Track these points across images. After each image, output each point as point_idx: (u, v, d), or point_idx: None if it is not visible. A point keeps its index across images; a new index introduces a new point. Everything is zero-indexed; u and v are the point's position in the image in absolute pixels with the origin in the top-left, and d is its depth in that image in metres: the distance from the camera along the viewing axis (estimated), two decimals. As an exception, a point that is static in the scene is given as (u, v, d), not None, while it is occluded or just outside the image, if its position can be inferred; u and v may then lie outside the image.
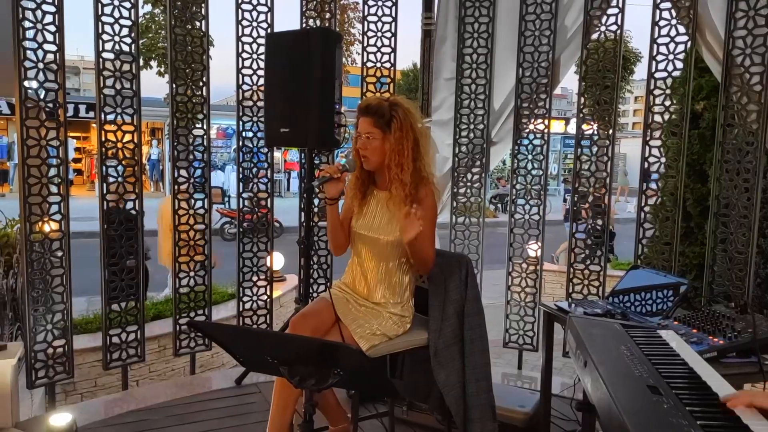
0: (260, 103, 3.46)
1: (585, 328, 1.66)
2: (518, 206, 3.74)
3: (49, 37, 2.87)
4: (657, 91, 3.28)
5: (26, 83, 2.85)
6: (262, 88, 3.39)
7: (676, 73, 3.24)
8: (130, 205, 3.22)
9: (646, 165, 3.33)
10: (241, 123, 3.51)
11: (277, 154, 18.57)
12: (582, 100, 3.51)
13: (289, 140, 3.00)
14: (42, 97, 2.91)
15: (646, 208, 3.41)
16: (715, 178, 3.15)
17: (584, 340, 1.54)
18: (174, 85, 3.32)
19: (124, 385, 3.31)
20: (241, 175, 3.55)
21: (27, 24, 2.80)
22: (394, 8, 3.65)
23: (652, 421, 1.09)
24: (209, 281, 3.46)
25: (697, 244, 4.42)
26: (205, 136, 3.45)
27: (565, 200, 14.14)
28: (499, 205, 17.27)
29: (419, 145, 1.99)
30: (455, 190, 3.82)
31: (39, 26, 2.83)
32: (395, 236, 1.99)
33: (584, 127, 3.51)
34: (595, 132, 3.49)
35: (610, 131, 3.48)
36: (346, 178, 2.04)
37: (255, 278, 3.60)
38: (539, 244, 3.79)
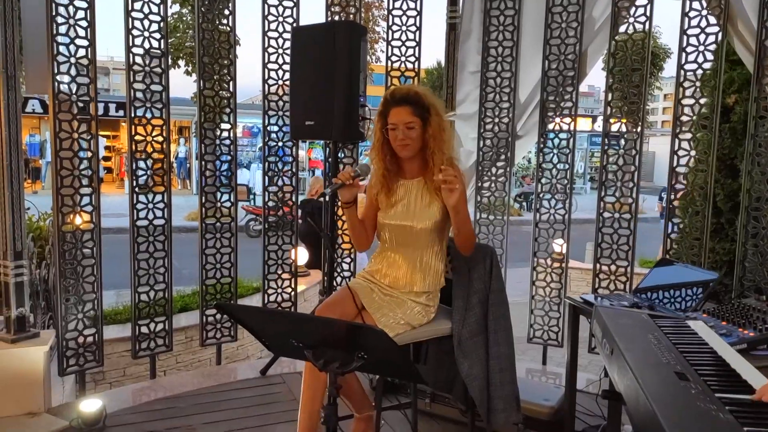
0: (286, 98, 3.50)
1: (612, 317, 1.65)
2: (543, 201, 3.71)
3: (81, 33, 2.94)
4: (687, 83, 3.22)
5: (59, 78, 2.92)
6: (287, 83, 3.42)
7: (707, 65, 3.17)
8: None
9: (675, 159, 3.27)
10: (266, 117, 3.55)
11: (302, 153, 18.70)
12: (609, 95, 3.46)
13: (314, 133, 3.03)
14: (74, 91, 2.99)
15: (675, 203, 3.35)
16: (746, 171, 3.08)
17: (611, 329, 1.53)
18: (202, 81, 3.37)
19: (152, 374, 3.37)
20: (266, 170, 3.59)
21: (60, 20, 2.87)
22: (419, 2, 3.64)
23: (679, 406, 1.08)
24: (235, 273, 3.51)
25: (728, 241, 4.32)
26: (231, 130, 3.50)
27: (660, 198, 13.82)
28: (524, 204, 17.12)
29: (449, 131, 2.02)
30: (479, 184, 3.80)
31: (71, 21, 2.90)
32: (430, 222, 2.00)
33: (611, 121, 3.46)
34: (623, 128, 3.43)
35: (639, 127, 3.43)
36: (359, 183, 2.04)
37: (279, 271, 3.63)
38: (564, 239, 3.76)
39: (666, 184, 3.38)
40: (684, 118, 3.25)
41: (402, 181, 2.08)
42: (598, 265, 3.55)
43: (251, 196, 14.17)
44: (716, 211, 4.31)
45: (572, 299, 2.48)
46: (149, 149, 3.25)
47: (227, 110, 3.46)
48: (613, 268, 3.51)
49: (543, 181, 3.69)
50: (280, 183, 3.63)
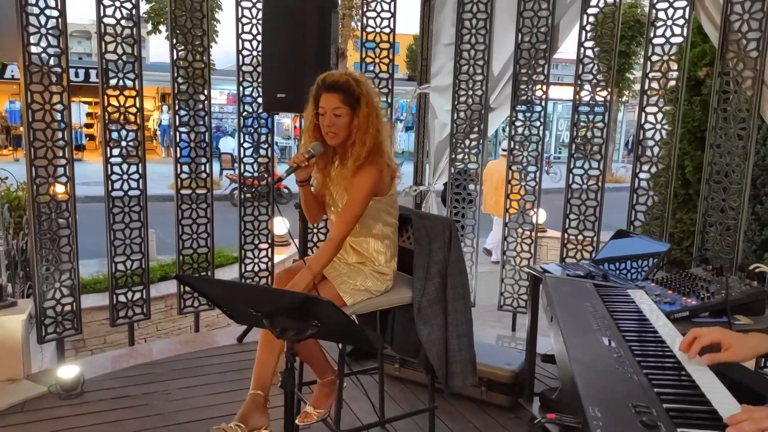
0: (260, 69, 3.50)
1: (556, 287, 1.74)
2: (515, 172, 3.79)
3: (51, 3, 2.92)
4: (655, 57, 3.27)
5: (31, 48, 2.91)
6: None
7: (675, 39, 3.22)
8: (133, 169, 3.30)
9: (642, 132, 3.35)
10: (241, 88, 3.56)
11: (287, 120, 18.56)
12: (581, 67, 3.50)
13: (286, 106, 3.05)
14: (46, 62, 2.98)
15: (642, 175, 3.44)
16: (709, 144, 3.16)
17: (553, 297, 1.62)
18: (175, 52, 3.37)
19: (131, 341, 3.46)
20: (243, 141, 3.62)
21: (29, -10, 2.85)
22: (393, -27, 3.64)
23: (598, 369, 1.17)
24: (212, 244, 3.57)
25: (695, 211, 4.44)
26: (206, 102, 3.51)
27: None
28: (519, 167, 17.22)
29: (380, 121, 2.02)
30: (453, 156, 3.86)
31: (40, -9, 2.88)
32: None
33: (584, 93, 3.51)
34: (598, 98, 3.46)
35: (618, 97, 3.49)
36: (314, 162, 2.07)
37: (256, 242, 3.70)
38: (535, 210, 3.85)
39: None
40: (653, 91, 3.32)
41: (337, 165, 2.12)
42: (566, 236, 3.65)
43: (236, 165, 14.11)
44: (685, 183, 4.43)
45: (533, 269, 2.58)
46: (123, 120, 3.27)
47: (200, 81, 3.47)
48: (580, 238, 3.62)
49: (515, 153, 3.76)
50: (255, 155, 3.67)
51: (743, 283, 2.04)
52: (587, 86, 3.49)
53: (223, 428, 1.85)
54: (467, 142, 3.85)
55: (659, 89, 3.28)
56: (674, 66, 3.25)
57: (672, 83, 3.27)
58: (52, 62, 3.00)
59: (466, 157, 3.86)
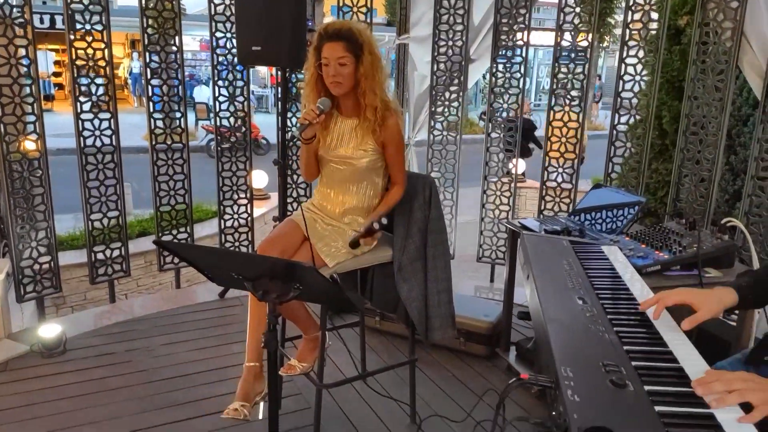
0: (233, 18, 3.38)
1: (534, 245, 1.77)
2: (495, 125, 3.78)
3: (8, -51, 2.76)
4: (635, 6, 3.23)
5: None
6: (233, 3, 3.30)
7: (656, -12, 3.18)
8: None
9: (621, 83, 3.34)
10: (214, 39, 3.45)
11: (263, 69, 18.09)
12: (561, 15, 3.44)
13: (261, 59, 2.96)
14: (8, 13, 2.84)
15: (620, 127, 3.45)
16: (687, 96, 3.17)
17: (530, 256, 1.65)
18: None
19: (112, 298, 3.46)
20: (218, 94, 3.53)
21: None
22: None
23: (570, 327, 1.21)
24: (190, 200, 3.53)
25: (671, 162, 4.50)
26: (178, 54, 3.40)
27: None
28: (499, 119, 17.14)
29: (381, 72, 2.00)
30: (433, 109, 3.83)
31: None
32: (362, 161, 2.04)
33: (565, 41, 3.47)
34: (579, 45, 3.42)
35: (600, 43, 3.45)
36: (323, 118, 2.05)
37: (235, 197, 3.67)
38: (514, 162, 3.87)
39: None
40: (633, 41, 3.29)
41: (339, 118, 2.10)
42: (544, 188, 3.68)
43: (211, 115, 13.82)
44: (662, 133, 4.46)
45: (511, 224, 2.61)
46: (92, 73, 3.15)
47: (171, 32, 3.35)
48: (558, 190, 3.66)
49: (495, 105, 3.74)
50: (231, 108, 3.59)
51: (714, 236, 2.10)
52: (567, 34, 3.44)
53: (230, 414, 1.88)
54: (447, 94, 3.81)
55: (639, 39, 3.26)
56: (655, 15, 3.21)
57: (652, 33, 3.25)
58: (15, 13, 2.86)
59: (446, 110, 3.82)
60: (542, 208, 3.71)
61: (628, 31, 3.27)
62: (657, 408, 0.94)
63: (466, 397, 2.51)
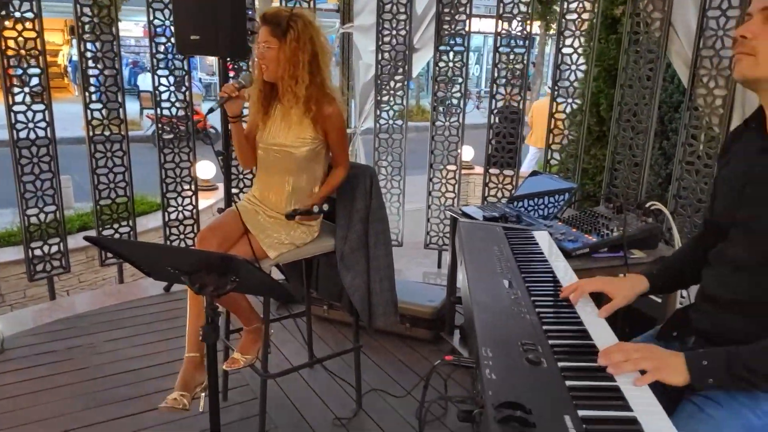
0: (171, 6, 3.31)
1: (469, 232, 1.83)
2: (439, 114, 3.84)
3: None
4: (571, -1, 3.33)
5: None
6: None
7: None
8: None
9: (558, 72, 3.45)
10: (152, 28, 3.37)
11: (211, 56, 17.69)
12: (501, 5, 3.51)
13: (200, 48, 2.93)
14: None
15: (559, 116, 3.56)
16: (619, 84, 3.31)
17: (464, 243, 1.71)
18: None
19: (52, 295, 3.37)
20: (158, 83, 3.46)
21: None
22: None
23: (494, 309, 1.26)
24: (131, 193, 3.46)
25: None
26: (114, 42, 3.31)
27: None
28: (442, 108, 17.31)
29: (318, 60, 1.99)
30: (379, 98, 3.85)
31: None
32: (299, 149, 2.05)
33: (506, 29, 3.54)
34: (520, 32, 3.50)
35: (546, 31, 3.53)
36: (245, 94, 2.05)
37: (179, 189, 3.61)
38: (459, 151, 3.94)
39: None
40: (570, 31, 3.39)
41: (278, 106, 2.09)
42: (487, 175, 3.78)
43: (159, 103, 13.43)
44: (600, 120, 4.62)
45: (453, 211, 2.68)
46: (24, 64, 3.04)
47: (107, 20, 3.25)
48: (501, 177, 3.76)
49: (439, 94, 3.79)
50: (173, 98, 3.52)
51: (640, 219, 2.21)
52: (507, 22, 3.51)
53: (169, 404, 1.87)
54: (392, 83, 3.84)
55: (575, 30, 3.36)
56: (590, 7, 3.32)
57: (587, 24, 3.36)
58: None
59: (392, 99, 3.86)
60: (486, 195, 3.80)
61: (564, 21, 3.36)
62: (567, 383, 1.00)
63: (411, 380, 2.57)
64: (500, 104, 3.67)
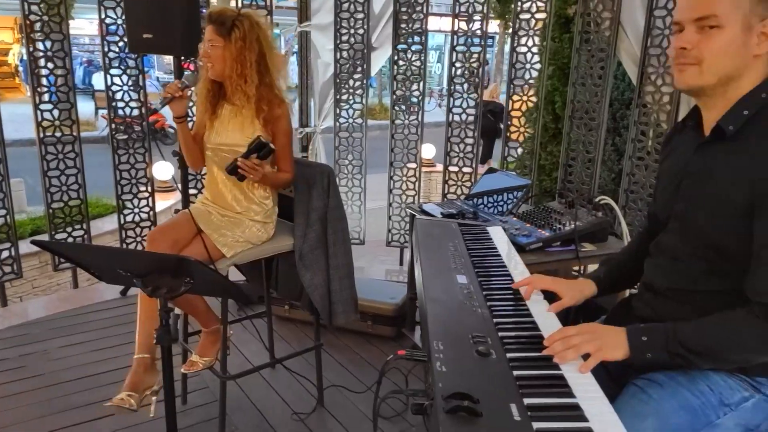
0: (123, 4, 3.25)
1: (425, 229, 1.85)
2: (399, 112, 3.87)
3: None
4: (524, -2, 3.41)
5: None
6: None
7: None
8: None
9: (513, 71, 3.51)
10: (104, 26, 3.29)
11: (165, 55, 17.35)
12: (457, 5, 3.56)
13: (153, 47, 2.87)
14: None
15: (515, 114, 3.63)
16: (571, 83, 3.39)
17: (420, 240, 1.73)
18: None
19: (3, 302, 3.26)
20: (111, 82, 3.39)
21: None
22: None
23: (447, 305, 1.29)
24: (84, 195, 3.38)
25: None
26: (65, 41, 3.22)
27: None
28: (403, 107, 17.40)
29: (266, 60, 1.99)
30: (338, 96, 3.86)
31: None
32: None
33: (461, 27, 3.59)
34: (478, 30, 3.55)
35: (505, 29, 3.59)
36: (189, 93, 2.04)
37: (135, 190, 3.54)
38: (419, 149, 3.97)
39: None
40: (523, 31, 3.46)
41: (226, 105, 2.08)
42: (447, 172, 3.82)
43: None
44: (556, 117, 4.72)
45: (411, 208, 2.71)
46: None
47: (57, 18, 3.17)
48: (460, 174, 3.81)
49: (398, 93, 3.82)
50: (127, 98, 3.45)
51: (590, 214, 2.28)
52: (464, 21, 3.56)
53: (116, 403, 1.85)
54: (351, 82, 3.85)
55: (529, 29, 3.43)
56: (541, 6, 3.40)
57: (545, 22, 3.44)
58: None
59: (351, 97, 3.87)
60: (446, 192, 3.85)
61: (518, 20, 3.43)
62: (515, 372, 1.04)
63: (372, 376, 2.59)
64: (458, 102, 3.71)
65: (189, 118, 2.18)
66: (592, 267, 2.47)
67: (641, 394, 1.18)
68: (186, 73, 2.04)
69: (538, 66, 3.53)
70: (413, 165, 3.93)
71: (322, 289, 2.22)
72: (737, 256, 1.15)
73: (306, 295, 2.26)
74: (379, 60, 3.97)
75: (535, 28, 3.44)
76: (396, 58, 3.72)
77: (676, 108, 2.96)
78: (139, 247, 3.51)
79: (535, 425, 0.89)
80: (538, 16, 3.42)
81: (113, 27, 3.32)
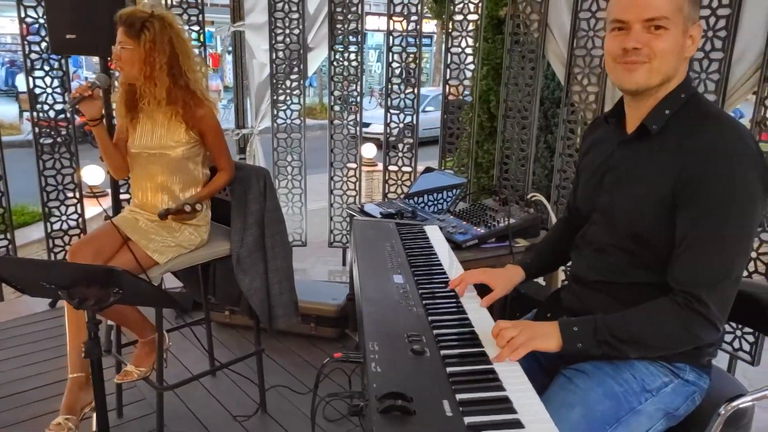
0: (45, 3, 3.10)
1: (362, 229, 1.87)
2: (336, 113, 3.86)
3: None
4: (456, 0, 3.47)
5: None
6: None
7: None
8: None
9: (448, 71, 3.58)
10: (24, 26, 3.13)
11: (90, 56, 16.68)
12: (392, 5, 3.59)
13: (78, 48, 2.76)
14: None
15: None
16: (504, 83, 3.48)
17: (357, 240, 1.74)
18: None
19: None
20: (33, 85, 3.22)
21: None
22: None
23: (383, 304, 1.31)
24: (8, 203, 3.20)
25: (499, 143, 4.93)
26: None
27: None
28: (344, 106, 17.42)
29: (179, 62, 1.96)
30: (275, 97, 3.81)
31: None
32: (181, 150, 2.00)
33: (395, 27, 3.62)
34: (412, 30, 3.59)
35: (443, 29, 3.64)
36: (100, 95, 1.97)
37: (62, 197, 3.39)
38: (359, 149, 3.99)
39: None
40: (456, 32, 3.53)
41: (146, 109, 2.03)
42: (387, 172, 3.85)
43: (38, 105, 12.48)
44: (491, 116, 4.84)
45: (351, 209, 2.72)
46: None
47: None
48: (399, 174, 3.85)
49: (336, 93, 3.82)
50: (50, 100, 3.29)
51: (523, 210, 2.36)
52: (400, 21, 3.60)
53: (53, 429, 1.77)
54: (288, 82, 3.81)
55: (462, 30, 3.51)
56: (473, 8, 3.48)
57: (473, 25, 3.51)
58: None
59: (288, 98, 3.83)
60: (386, 191, 3.87)
61: (452, 22, 3.50)
62: (448, 369, 1.06)
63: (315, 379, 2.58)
64: (395, 102, 3.74)
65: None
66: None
67: (569, 384, 1.23)
68: (98, 74, 1.97)
69: (471, 66, 3.62)
70: (353, 165, 3.93)
71: (262, 293, 2.20)
72: (660, 248, 1.21)
73: (245, 299, 2.23)
74: (316, 60, 3.95)
75: (469, 30, 3.52)
76: (333, 58, 3.72)
77: (601, 107, 3.09)
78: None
79: (467, 420, 0.92)
80: (470, 17, 3.50)
81: (35, 27, 3.16)
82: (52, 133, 3.31)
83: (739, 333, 2.48)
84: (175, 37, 1.94)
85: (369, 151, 7.68)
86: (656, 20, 1.16)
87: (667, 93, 1.23)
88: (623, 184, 1.28)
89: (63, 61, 3.29)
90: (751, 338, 2.44)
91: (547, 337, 1.18)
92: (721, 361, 2.49)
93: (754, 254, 2.44)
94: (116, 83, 2.19)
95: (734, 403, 1.24)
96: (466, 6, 3.46)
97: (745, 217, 1.13)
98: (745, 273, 2.48)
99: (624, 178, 1.28)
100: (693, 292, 1.14)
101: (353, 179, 3.96)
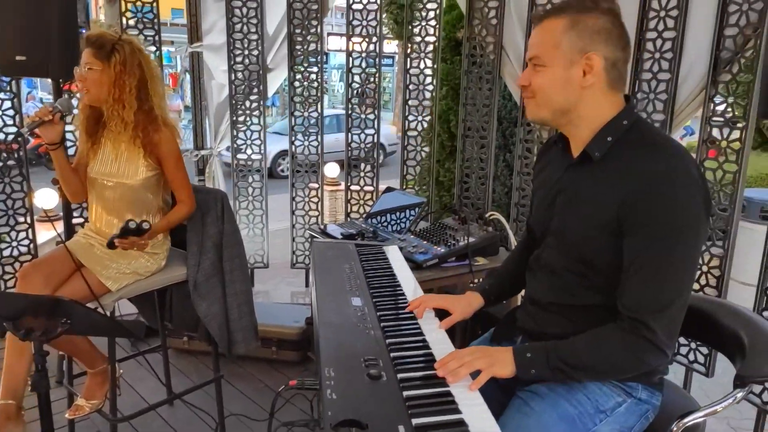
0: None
1: (321, 251, 1.86)
2: (298, 133, 3.85)
3: None
4: (415, 22, 3.53)
5: None
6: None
7: (431, 5, 3.50)
8: None
9: (407, 92, 3.62)
10: (-30, 46, 3.03)
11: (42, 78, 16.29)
12: (350, 14, 3.61)
13: (27, 69, 2.69)
14: None
15: (412, 133, 3.73)
16: (462, 103, 3.54)
17: (316, 263, 1.73)
18: None
19: None
20: (-20, 108, 3.12)
21: None
22: None
23: (341, 327, 1.30)
24: (-48, 230, 3.07)
25: (460, 162, 4.99)
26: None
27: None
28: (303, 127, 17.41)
29: (147, 87, 1.94)
30: (234, 118, 3.78)
31: None
32: (140, 179, 1.97)
33: (355, 48, 3.66)
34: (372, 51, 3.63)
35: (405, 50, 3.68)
36: (62, 118, 1.93)
37: (12, 222, 3.27)
38: (320, 169, 3.98)
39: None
40: (415, 54, 3.58)
41: (107, 134, 1.99)
42: (349, 192, 3.85)
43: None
44: (452, 136, 4.91)
45: (312, 230, 2.71)
46: None
47: None
48: (362, 194, 3.85)
49: (296, 114, 3.81)
50: (0, 123, 3.19)
51: (482, 229, 2.38)
52: (359, 42, 3.63)
53: None
54: (248, 103, 3.79)
55: (420, 52, 3.56)
56: (431, 30, 3.54)
57: (431, 46, 3.58)
58: None
59: (248, 119, 3.81)
60: (348, 211, 3.87)
61: (410, 44, 3.55)
62: (405, 393, 1.06)
63: (277, 405, 2.53)
64: (356, 123, 3.76)
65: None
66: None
67: (524, 407, 1.23)
68: (61, 98, 1.92)
69: (431, 87, 3.67)
70: (315, 185, 3.92)
71: (220, 318, 2.16)
72: (608, 271, 1.22)
73: (203, 325, 2.19)
74: (276, 80, 3.95)
75: (427, 51, 3.57)
76: (292, 78, 3.72)
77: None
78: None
79: (422, 445, 0.92)
80: (428, 39, 3.56)
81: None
82: (3, 156, 3.21)
83: (693, 345, 2.55)
84: (145, 61, 1.93)
85: (332, 170, 7.68)
86: (534, 59, 1.27)
87: (589, 121, 1.26)
88: (573, 205, 1.30)
89: (14, 82, 3.20)
90: (705, 350, 2.51)
91: (503, 363, 1.19)
92: (678, 373, 2.56)
93: (705, 268, 2.52)
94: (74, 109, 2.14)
95: (685, 420, 1.26)
96: (424, 28, 3.52)
97: (690, 240, 1.15)
98: (697, 287, 2.56)
99: (573, 200, 1.30)
100: (640, 318, 1.15)
101: (315, 199, 3.94)
